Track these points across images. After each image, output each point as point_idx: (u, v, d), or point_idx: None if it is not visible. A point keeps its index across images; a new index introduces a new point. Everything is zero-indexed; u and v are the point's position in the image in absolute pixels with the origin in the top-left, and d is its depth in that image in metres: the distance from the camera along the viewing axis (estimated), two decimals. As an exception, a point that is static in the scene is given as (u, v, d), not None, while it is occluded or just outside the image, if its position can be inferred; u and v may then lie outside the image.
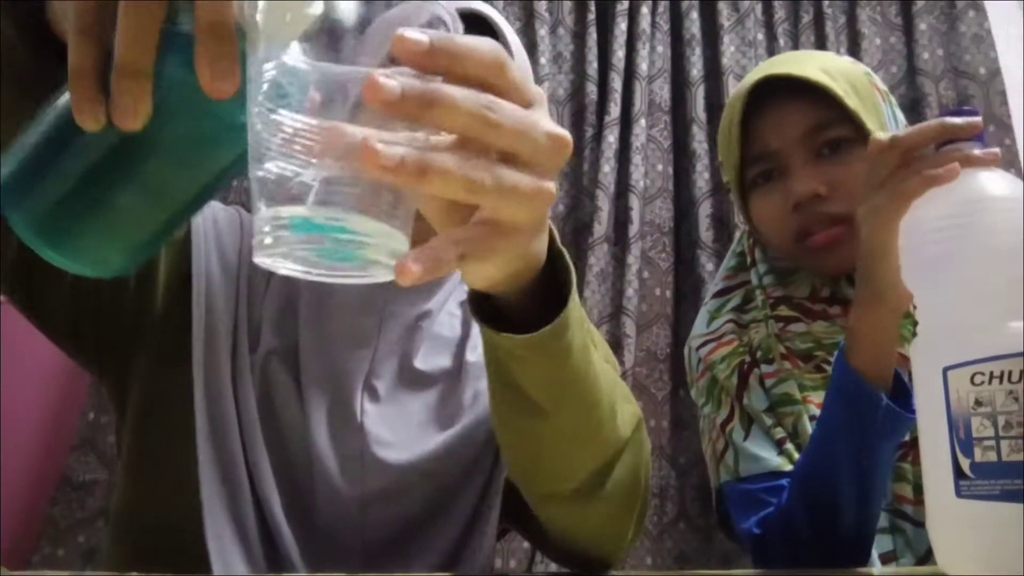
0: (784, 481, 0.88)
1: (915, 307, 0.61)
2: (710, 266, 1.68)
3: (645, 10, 1.82)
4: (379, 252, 0.35)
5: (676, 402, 1.67)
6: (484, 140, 0.36)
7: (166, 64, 0.36)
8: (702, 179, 1.74)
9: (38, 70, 0.45)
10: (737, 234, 1.10)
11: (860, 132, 0.91)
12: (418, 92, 0.33)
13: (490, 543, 0.79)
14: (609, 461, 0.62)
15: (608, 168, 1.72)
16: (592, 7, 1.85)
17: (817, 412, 0.90)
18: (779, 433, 0.92)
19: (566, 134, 0.39)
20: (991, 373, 0.49)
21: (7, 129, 0.46)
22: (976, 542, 0.51)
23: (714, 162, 1.75)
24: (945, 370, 0.52)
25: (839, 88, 0.92)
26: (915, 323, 0.89)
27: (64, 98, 0.39)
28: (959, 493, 0.51)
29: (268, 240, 0.35)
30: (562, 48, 1.85)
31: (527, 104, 0.38)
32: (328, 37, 0.37)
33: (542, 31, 1.80)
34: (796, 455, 0.90)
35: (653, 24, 1.84)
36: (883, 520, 0.86)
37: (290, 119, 0.34)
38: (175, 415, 0.73)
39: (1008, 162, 1.70)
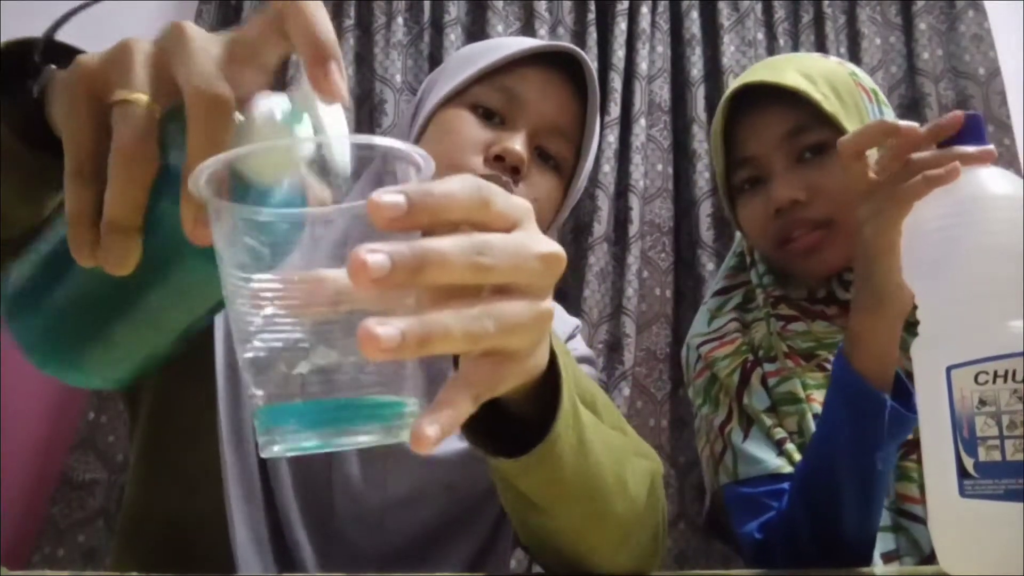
0: (785, 484, 0.88)
1: (916, 307, 0.61)
2: (710, 266, 1.68)
3: (645, 10, 1.82)
4: (390, 420, 0.35)
5: (676, 402, 1.66)
6: (480, 283, 0.36)
7: (159, 201, 0.37)
8: (702, 179, 1.74)
9: (38, 166, 0.46)
10: (738, 234, 1.11)
11: (841, 135, 0.91)
12: (407, 260, 0.32)
13: (506, 559, 0.79)
14: (627, 531, 0.60)
15: (608, 168, 1.72)
16: (592, 7, 1.84)
17: (820, 410, 0.90)
18: (779, 433, 0.92)
19: (558, 250, 0.38)
20: (995, 372, 0.49)
21: (10, 224, 0.48)
22: (980, 542, 0.51)
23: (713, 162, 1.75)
24: (948, 369, 0.52)
25: (817, 92, 0.92)
26: (912, 324, 0.91)
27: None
28: (963, 492, 0.51)
29: (276, 439, 0.34)
30: (562, 48, 1.85)
31: (514, 225, 0.37)
32: (316, 180, 0.36)
33: (542, 31, 1.80)
34: (796, 455, 0.90)
35: (653, 24, 1.83)
36: (886, 518, 0.86)
37: (268, 283, 0.33)
38: (193, 419, 0.73)
39: (1008, 162, 1.70)
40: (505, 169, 0.81)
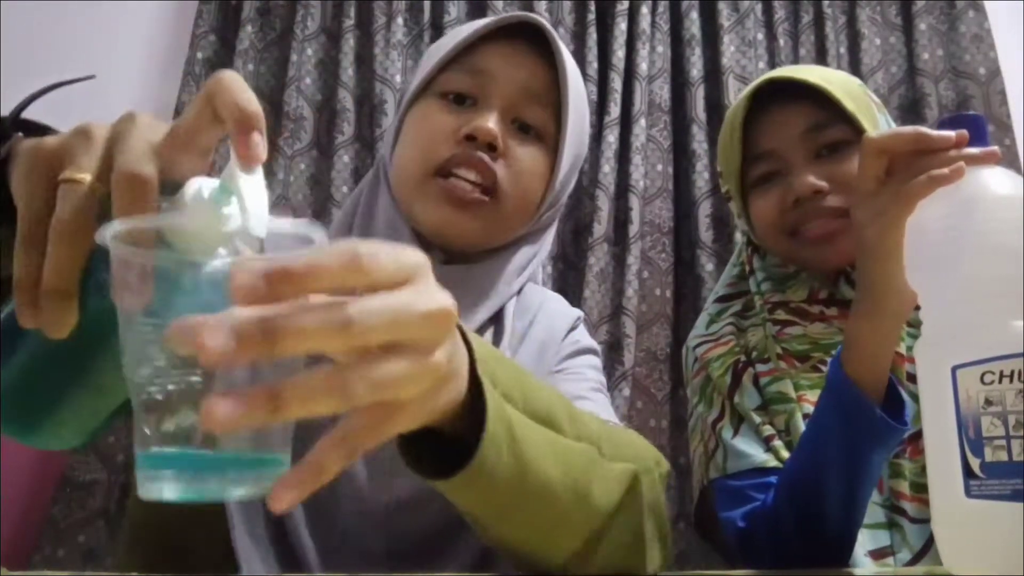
0: (771, 478, 0.90)
1: (918, 307, 0.61)
2: (710, 266, 1.68)
3: (645, 10, 1.82)
4: (261, 474, 0.37)
5: (676, 402, 1.67)
6: (352, 348, 0.36)
7: (101, 271, 0.39)
8: (702, 179, 1.74)
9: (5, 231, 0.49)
10: (738, 243, 1.12)
11: (858, 134, 0.94)
12: (255, 335, 0.32)
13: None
14: (592, 536, 0.59)
15: (608, 168, 1.72)
16: (592, 7, 1.84)
17: (811, 410, 0.92)
18: (767, 431, 0.94)
19: (444, 306, 0.38)
20: (1001, 372, 0.49)
21: None
22: (986, 542, 0.50)
23: (714, 162, 1.75)
24: (954, 369, 0.52)
25: (837, 91, 0.95)
26: (911, 325, 0.91)
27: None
28: (969, 493, 0.51)
29: (153, 484, 0.36)
30: (562, 48, 1.85)
31: (402, 282, 0.37)
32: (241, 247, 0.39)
33: (542, 31, 1.80)
34: (784, 452, 0.92)
35: (653, 24, 1.83)
36: (880, 515, 0.88)
37: (156, 331, 0.35)
38: None
39: (1008, 162, 1.71)
40: (479, 148, 0.82)
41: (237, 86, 0.41)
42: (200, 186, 0.39)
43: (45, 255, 0.40)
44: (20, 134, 0.52)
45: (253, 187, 0.39)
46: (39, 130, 0.55)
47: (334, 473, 0.36)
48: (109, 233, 0.36)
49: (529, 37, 0.87)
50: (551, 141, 0.88)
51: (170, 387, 0.36)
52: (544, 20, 0.87)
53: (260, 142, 0.40)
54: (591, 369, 0.92)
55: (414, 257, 0.39)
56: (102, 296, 0.40)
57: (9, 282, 0.57)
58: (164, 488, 0.36)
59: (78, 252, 0.40)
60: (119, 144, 0.41)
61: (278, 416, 0.33)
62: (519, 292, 0.91)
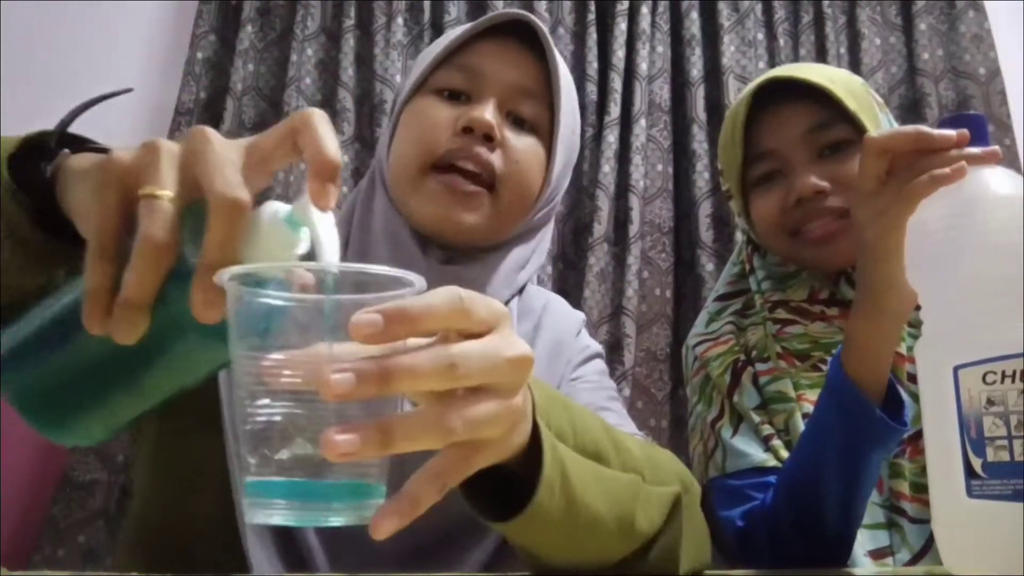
0: (770, 478, 0.90)
1: (919, 307, 0.61)
2: (710, 266, 1.68)
3: (645, 10, 1.82)
4: (361, 503, 0.40)
5: (676, 402, 1.66)
6: (453, 388, 0.40)
7: (167, 282, 0.41)
8: (702, 179, 1.74)
9: (46, 246, 0.53)
10: (738, 242, 1.12)
11: (860, 134, 0.93)
12: (372, 375, 0.36)
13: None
14: (631, 555, 0.62)
15: (608, 168, 1.72)
16: (592, 7, 1.84)
17: (810, 409, 0.92)
18: (766, 430, 0.94)
19: (526, 352, 0.42)
20: (1003, 372, 0.49)
21: (8, 293, 0.55)
22: (988, 542, 0.50)
23: (714, 162, 1.75)
24: (956, 369, 0.52)
25: (839, 91, 0.94)
26: (912, 325, 0.91)
27: (74, 294, 0.45)
28: (970, 493, 0.51)
29: (260, 510, 0.39)
30: (562, 48, 1.84)
31: (490, 329, 0.41)
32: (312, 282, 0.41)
33: (542, 31, 1.80)
34: (783, 451, 0.92)
35: (653, 24, 1.83)
36: (879, 515, 0.88)
37: (269, 364, 0.38)
38: (199, 420, 0.73)
39: (1008, 162, 1.71)
40: (476, 140, 0.82)
41: (324, 131, 0.44)
42: (276, 210, 0.43)
43: (117, 266, 0.42)
44: (66, 150, 0.53)
45: (326, 224, 0.43)
46: (80, 143, 0.56)
47: (428, 505, 0.40)
48: (227, 275, 0.39)
49: (520, 35, 0.88)
50: (545, 135, 0.89)
51: (276, 419, 0.38)
52: (534, 18, 0.87)
53: (335, 192, 0.42)
54: (602, 375, 0.93)
55: (498, 305, 0.43)
56: (162, 303, 0.42)
57: (39, 292, 0.58)
58: (274, 515, 0.38)
59: (162, 267, 0.41)
60: (203, 163, 0.42)
61: (387, 449, 0.37)
62: (520, 292, 0.92)
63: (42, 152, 0.53)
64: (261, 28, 1.84)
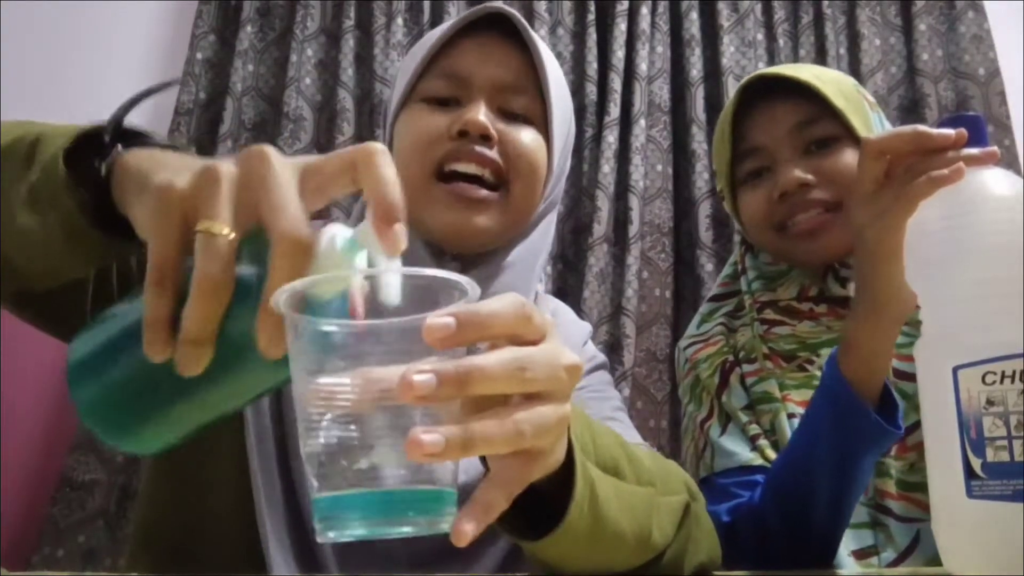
0: (757, 476, 0.91)
1: (918, 307, 0.61)
2: (710, 266, 1.69)
3: (645, 10, 1.82)
4: (433, 511, 0.39)
5: (676, 402, 1.66)
6: (520, 392, 0.40)
7: (233, 316, 0.42)
8: (702, 179, 1.74)
9: (99, 242, 0.53)
10: (735, 243, 1.13)
11: (847, 131, 0.95)
12: (452, 378, 0.37)
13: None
14: (645, 563, 0.63)
15: (608, 168, 1.72)
16: (592, 7, 1.84)
17: (795, 410, 0.93)
18: (753, 430, 0.95)
19: (578, 362, 0.43)
20: (1003, 372, 0.49)
21: (52, 280, 0.57)
22: (988, 543, 0.50)
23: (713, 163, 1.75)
24: (955, 369, 0.52)
25: (827, 89, 0.95)
26: (911, 325, 0.91)
27: (140, 312, 0.44)
28: (970, 493, 0.51)
29: (332, 526, 0.39)
30: (562, 48, 1.85)
31: (543, 338, 0.42)
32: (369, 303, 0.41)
33: (542, 31, 1.80)
34: (769, 451, 0.92)
35: (653, 24, 1.84)
36: (864, 515, 0.88)
37: (330, 385, 0.38)
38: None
39: (1008, 163, 1.71)
40: (473, 142, 0.82)
41: (387, 171, 0.43)
42: (334, 235, 0.42)
43: (174, 297, 0.42)
44: (119, 147, 0.53)
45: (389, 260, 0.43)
46: (136, 137, 0.55)
47: (499, 512, 0.40)
48: (282, 300, 0.39)
49: (501, 28, 0.88)
50: (540, 124, 0.88)
51: (333, 439, 0.39)
52: (509, 9, 0.87)
53: (402, 234, 0.42)
54: (608, 386, 0.93)
55: (546, 315, 0.44)
56: (225, 332, 0.42)
57: (82, 284, 0.62)
58: (351, 528, 0.39)
59: (221, 304, 0.41)
60: (265, 193, 0.41)
61: (467, 452, 0.37)
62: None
63: (97, 145, 0.53)
64: (261, 28, 1.85)
